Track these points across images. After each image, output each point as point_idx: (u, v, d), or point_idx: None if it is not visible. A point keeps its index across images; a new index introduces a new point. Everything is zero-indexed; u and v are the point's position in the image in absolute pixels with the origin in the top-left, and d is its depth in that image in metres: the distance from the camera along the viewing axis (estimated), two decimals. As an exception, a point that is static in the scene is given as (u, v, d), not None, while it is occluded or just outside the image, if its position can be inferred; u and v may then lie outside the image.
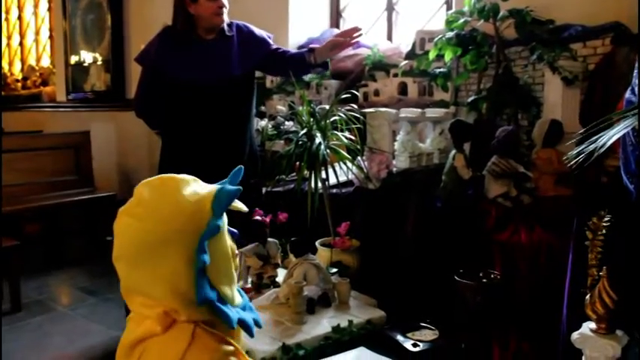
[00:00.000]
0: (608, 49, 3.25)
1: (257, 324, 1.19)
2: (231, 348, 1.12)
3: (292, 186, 3.38)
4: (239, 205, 1.22)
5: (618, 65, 3.25)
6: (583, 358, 1.20)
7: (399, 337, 2.05)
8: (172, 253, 1.09)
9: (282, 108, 4.82)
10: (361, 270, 2.66)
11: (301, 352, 1.95)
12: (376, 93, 4.39)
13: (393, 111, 2.99)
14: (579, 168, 3.09)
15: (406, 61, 3.91)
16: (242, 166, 1.22)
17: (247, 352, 1.95)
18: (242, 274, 2.49)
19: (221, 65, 2.95)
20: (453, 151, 2.80)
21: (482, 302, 1.70)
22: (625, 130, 1.31)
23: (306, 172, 2.78)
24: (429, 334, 2.09)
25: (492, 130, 3.14)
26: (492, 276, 1.77)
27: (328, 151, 2.62)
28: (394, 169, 2.92)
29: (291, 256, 2.64)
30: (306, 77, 4.82)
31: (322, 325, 2.14)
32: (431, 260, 2.54)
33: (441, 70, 3.63)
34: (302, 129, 2.72)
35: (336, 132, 2.72)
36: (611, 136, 1.30)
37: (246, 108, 3.10)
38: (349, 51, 4.69)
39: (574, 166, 3.04)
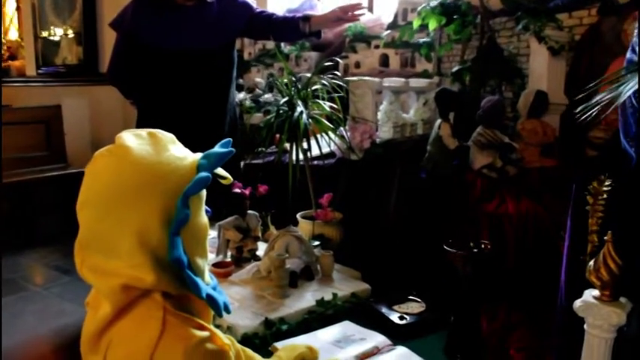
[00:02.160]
0: (594, 20, 3.20)
1: (226, 309, 1.08)
2: (206, 333, 1.00)
3: (272, 158, 3.29)
4: (223, 172, 1.13)
5: (604, 36, 3.20)
6: (585, 326, 1.14)
7: (385, 310, 1.99)
8: (148, 202, 0.98)
9: (260, 80, 4.72)
10: (344, 242, 2.59)
11: (284, 327, 1.88)
12: (357, 65, 4.30)
13: (377, 79, 2.90)
14: (564, 140, 3.09)
15: (388, 31, 3.82)
16: (231, 139, 1.14)
17: (228, 328, 1.87)
18: (221, 247, 2.40)
19: (201, 33, 2.82)
20: (439, 121, 2.73)
21: (472, 272, 1.64)
22: (633, 89, 1.24)
23: (286, 145, 2.69)
24: (415, 307, 2.03)
25: (476, 101, 3.09)
26: (483, 246, 1.70)
27: (310, 120, 2.52)
28: (377, 140, 2.84)
29: (272, 229, 2.56)
30: (286, 49, 4.71)
31: (306, 298, 2.07)
32: (415, 232, 2.48)
33: (425, 39, 3.56)
34: (282, 98, 2.62)
35: (317, 100, 2.62)
36: (627, 90, 1.23)
37: (226, 77, 2.98)
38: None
39: (559, 137, 3.04)
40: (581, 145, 3.09)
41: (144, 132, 1.08)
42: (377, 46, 4.15)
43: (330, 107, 2.62)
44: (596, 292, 1.12)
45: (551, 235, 2.16)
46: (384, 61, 4.11)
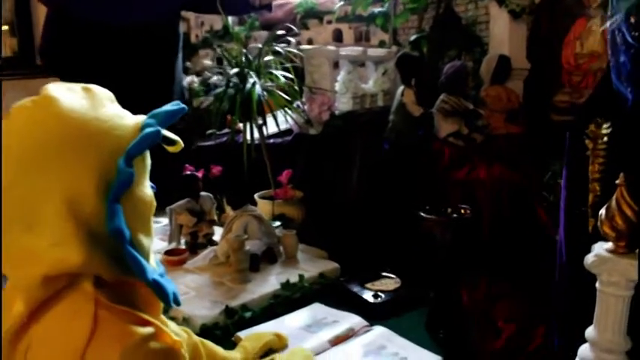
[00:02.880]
0: (555, -19, 3.10)
1: (176, 300, 0.87)
2: (149, 330, 0.80)
3: (225, 139, 3.09)
4: (172, 135, 0.92)
5: (565, -3, 3.11)
6: (597, 285, 1.00)
7: (357, 289, 1.82)
8: (79, 162, 0.78)
9: (208, 62, 4.48)
10: (307, 222, 2.42)
11: (248, 314, 1.69)
12: (309, 42, 4.12)
13: (334, 48, 2.72)
14: (528, 105, 2.98)
15: (341, 2, 3.64)
16: (179, 101, 0.94)
17: (185, 320, 1.67)
18: (174, 234, 2.18)
19: (142, 3, 2.57)
20: (401, 88, 2.58)
21: (452, 239, 1.49)
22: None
23: (239, 125, 2.53)
24: (390, 284, 1.87)
25: (435, 71, 2.99)
26: (462, 211, 1.55)
27: (264, 93, 2.32)
28: (336, 112, 2.66)
29: (229, 210, 2.35)
30: (235, 29, 4.48)
31: (269, 282, 1.88)
32: (382, 205, 2.32)
33: (380, 9, 3.41)
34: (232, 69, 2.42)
35: (271, 71, 2.43)
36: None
37: (171, 54, 2.75)
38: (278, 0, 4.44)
39: (523, 103, 2.94)
40: (546, 110, 3.00)
41: (77, 86, 0.87)
42: (329, 22, 3.98)
43: (285, 77, 2.44)
44: (609, 245, 0.98)
45: (528, 200, 2.04)
46: (338, 36, 3.95)
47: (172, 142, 0.93)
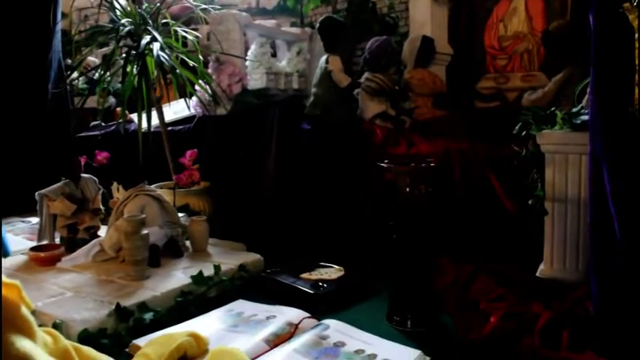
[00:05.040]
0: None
1: None
2: None
3: (113, 129, 2.61)
4: None
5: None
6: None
7: (291, 280, 1.43)
8: None
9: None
10: (216, 214, 2.00)
11: (148, 316, 1.24)
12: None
13: (244, 13, 2.35)
14: (453, 91, 2.77)
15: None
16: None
17: (56, 327, 1.19)
18: (45, 227, 1.67)
19: None
20: (325, 56, 2.24)
21: (430, 190, 1.15)
22: None
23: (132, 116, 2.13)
24: (332, 273, 1.50)
25: (350, 59, 2.73)
26: (429, 162, 1.22)
27: (165, 55, 1.89)
28: (249, 87, 2.26)
29: (119, 192, 1.87)
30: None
31: (175, 277, 1.44)
32: (310, 189, 1.94)
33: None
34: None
35: (172, 29, 2.04)
36: None
37: (48, 13, 2.35)
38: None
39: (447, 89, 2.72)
40: (470, 97, 2.80)
41: None
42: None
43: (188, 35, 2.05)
44: None
45: (481, 171, 1.74)
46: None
47: None
